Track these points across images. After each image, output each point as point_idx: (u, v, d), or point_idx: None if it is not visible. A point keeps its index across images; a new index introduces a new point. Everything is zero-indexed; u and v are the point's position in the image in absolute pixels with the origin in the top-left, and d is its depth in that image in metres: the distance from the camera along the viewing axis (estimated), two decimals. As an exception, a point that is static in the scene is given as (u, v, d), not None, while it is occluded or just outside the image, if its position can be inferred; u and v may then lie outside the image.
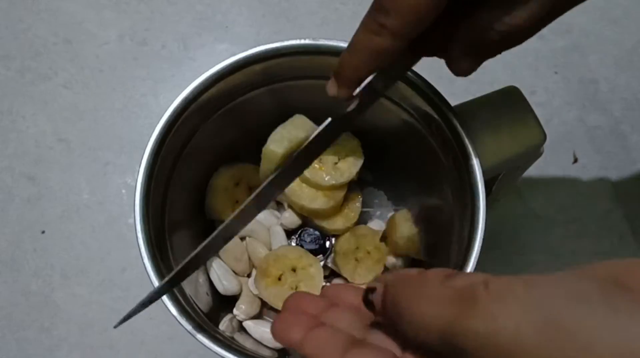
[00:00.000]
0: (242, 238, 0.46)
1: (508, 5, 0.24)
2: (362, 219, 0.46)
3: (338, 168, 0.42)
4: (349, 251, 0.44)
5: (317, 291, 0.43)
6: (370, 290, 0.21)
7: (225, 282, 0.44)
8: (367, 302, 0.21)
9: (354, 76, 0.28)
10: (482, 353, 0.16)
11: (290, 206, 0.45)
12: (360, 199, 0.45)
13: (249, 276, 0.46)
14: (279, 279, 0.42)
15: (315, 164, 0.42)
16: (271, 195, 0.32)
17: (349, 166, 0.42)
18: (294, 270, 0.42)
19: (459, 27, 0.26)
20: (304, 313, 0.23)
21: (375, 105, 0.40)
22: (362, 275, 0.45)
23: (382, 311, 0.20)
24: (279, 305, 0.43)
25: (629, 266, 0.16)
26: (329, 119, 0.31)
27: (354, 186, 0.45)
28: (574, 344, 0.15)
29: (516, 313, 0.16)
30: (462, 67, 0.27)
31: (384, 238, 0.45)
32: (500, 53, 0.27)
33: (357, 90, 0.29)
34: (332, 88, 0.29)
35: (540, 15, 0.25)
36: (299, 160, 0.32)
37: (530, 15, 0.24)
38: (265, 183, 0.32)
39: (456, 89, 0.58)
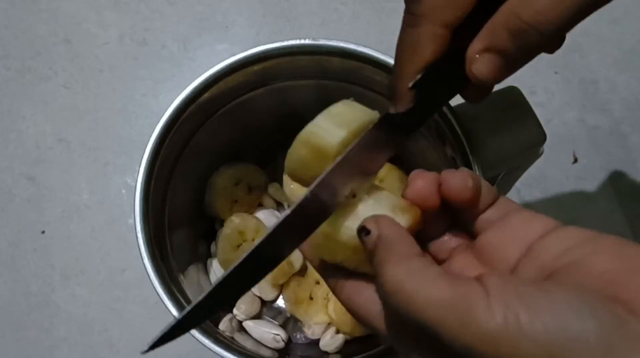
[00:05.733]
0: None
1: None
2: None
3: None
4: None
5: None
6: (365, 230, 0.21)
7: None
8: (360, 236, 0.21)
9: (404, 82, 0.24)
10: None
11: (289, 207, 0.45)
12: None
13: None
14: (311, 298, 0.42)
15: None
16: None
17: None
18: (317, 282, 0.43)
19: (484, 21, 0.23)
20: None
21: (375, 104, 0.40)
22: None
23: (370, 256, 0.21)
24: (325, 318, 0.44)
25: (629, 283, 0.17)
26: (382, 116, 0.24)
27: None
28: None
29: (521, 347, 0.16)
30: (478, 68, 0.23)
31: None
32: (525, 58, 0.23)
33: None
34: (391, 108, 0.25)
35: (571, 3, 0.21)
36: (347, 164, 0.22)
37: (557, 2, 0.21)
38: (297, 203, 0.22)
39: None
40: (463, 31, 0.23)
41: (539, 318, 0.16)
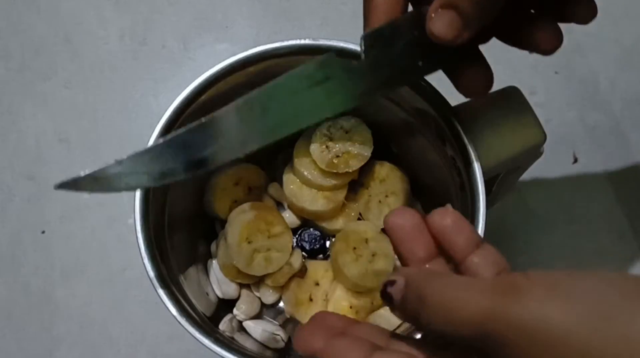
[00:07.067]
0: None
1: None
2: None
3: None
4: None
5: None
6: (389, 283, 0.21)
7: (224, 286, 0.44)
8: (385, 295, 0.21)
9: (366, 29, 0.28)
10: (522, 342, 0.16)
11: (289, 207, 0.45)
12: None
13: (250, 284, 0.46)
14: (311, 300, 0.43)
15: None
16: None
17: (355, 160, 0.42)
18: (317, 283, 0.43)
19: None
20: (327, 325, 0.23)
21: (375, 105, 0.40)
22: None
23: (402, 305, 0.20)
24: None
25: None
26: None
27: (355, 186, 0.45)
28: (624, 337, 0.15)
29: (564, 304, 0.16)
30: (436, 26, 0.24)
31: None
32: (482, 17, 0.25)
33: None
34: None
35: None
36: None
37: None
38: None
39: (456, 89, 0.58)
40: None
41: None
